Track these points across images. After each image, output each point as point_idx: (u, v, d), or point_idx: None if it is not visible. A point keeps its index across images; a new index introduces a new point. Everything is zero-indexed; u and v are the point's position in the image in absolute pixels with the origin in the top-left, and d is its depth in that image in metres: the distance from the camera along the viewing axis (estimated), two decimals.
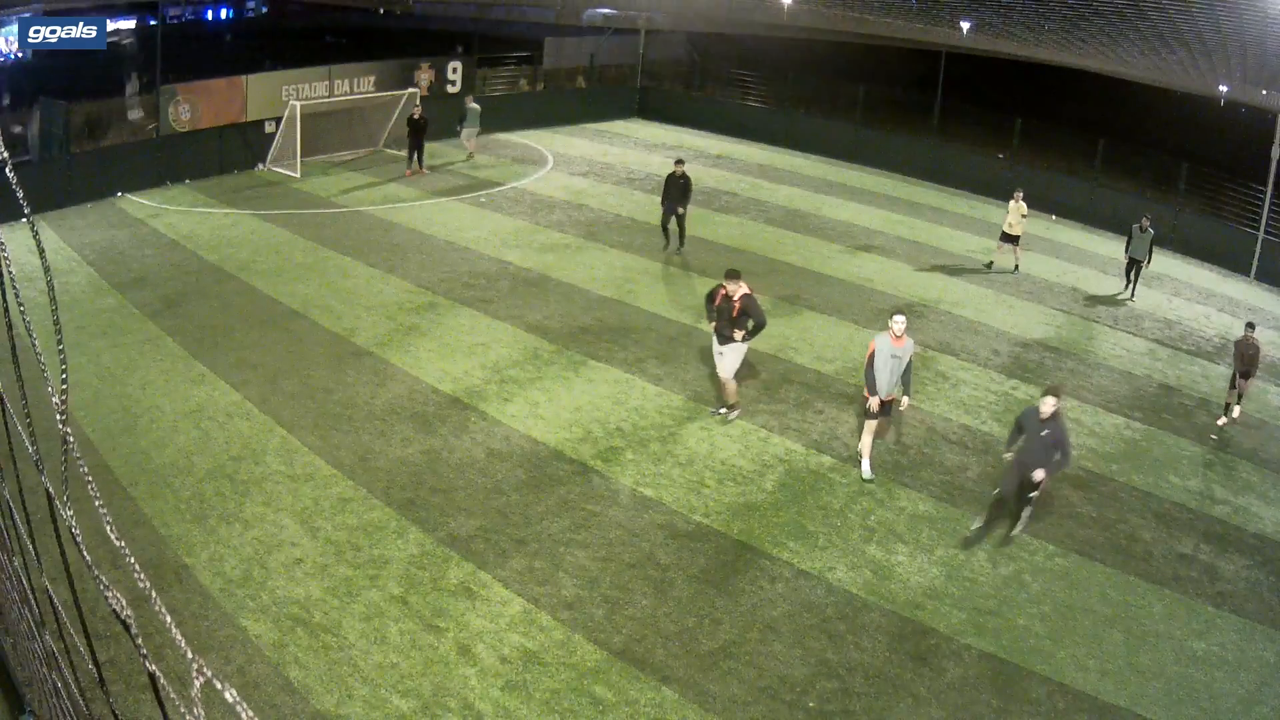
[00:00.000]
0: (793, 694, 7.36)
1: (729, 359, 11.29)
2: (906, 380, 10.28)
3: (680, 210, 17.54)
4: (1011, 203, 18.30)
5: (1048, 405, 9.05)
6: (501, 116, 28.77)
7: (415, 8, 38.53)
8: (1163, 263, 20.87)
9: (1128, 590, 9.03)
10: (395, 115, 24.75)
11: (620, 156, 26.40)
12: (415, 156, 22.66)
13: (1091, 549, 9.63)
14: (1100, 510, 10.40)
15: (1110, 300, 17.70)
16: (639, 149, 27.63)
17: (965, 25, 20.21)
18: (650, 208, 21.23)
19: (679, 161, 17.57)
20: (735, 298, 10.96)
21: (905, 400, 10.44)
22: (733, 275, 11.11)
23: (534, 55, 32.27)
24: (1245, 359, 12.84)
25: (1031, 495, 9.33)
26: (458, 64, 27.57)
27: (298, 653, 7.38)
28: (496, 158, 25.38)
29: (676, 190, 17.47)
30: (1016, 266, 18.77)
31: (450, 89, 27.37)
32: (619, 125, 30.97)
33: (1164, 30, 14.63)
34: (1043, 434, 9.12)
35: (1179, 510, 10.58)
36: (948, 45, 26.15)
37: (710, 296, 11.36)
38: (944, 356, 14.21)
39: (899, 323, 10.08)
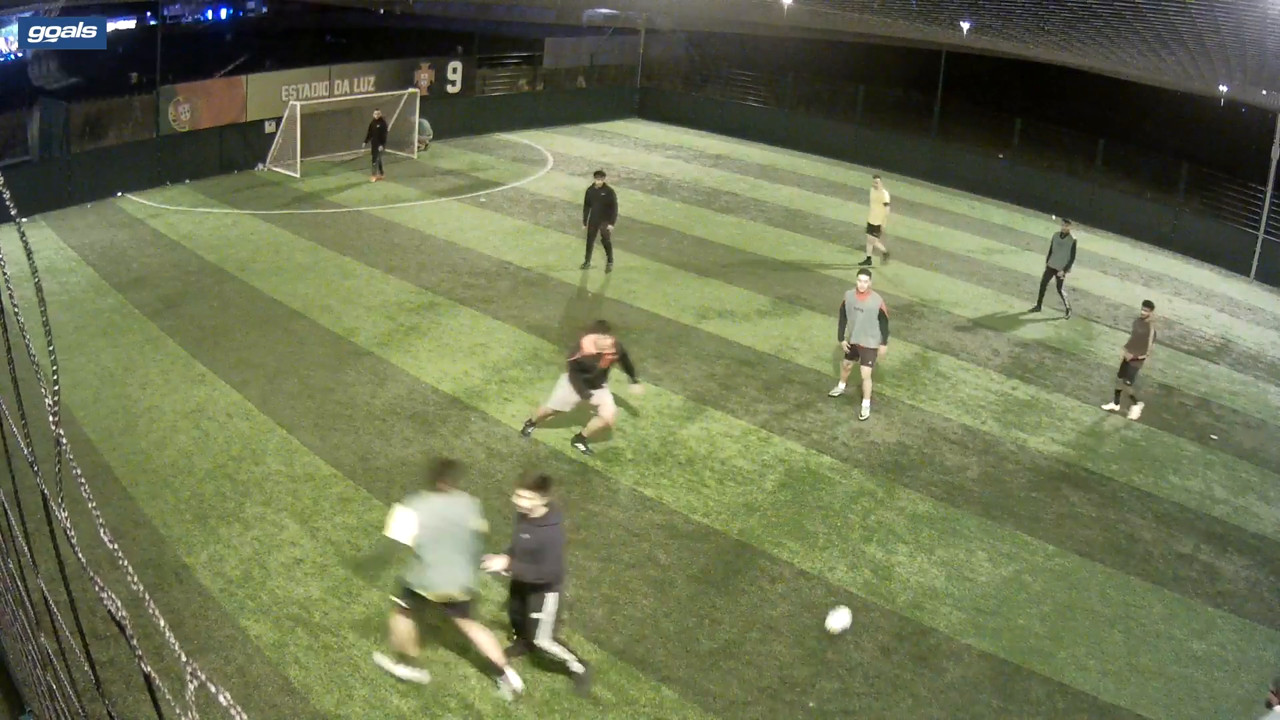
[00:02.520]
0: (793, 694, 7.35)
1: (608, 400, 10.42)
2: (883, 331, 11.78)
3: (609, 227, 16.22)
4: (872, 190, 17.63)
5: (526, 500, 6.64)
6: (501, 116, 28.79)
7: (415, 8, 38.51)
8: (1163, 262, 20.89)
9: (1128, 590, 9.02)
10: (395, 115, 24.75)
11: (620, 156, 26.40)
12: (377, 160, 22.08)
13: (1091, 549, 9.63)
14: (1100, 510, 10.40)
15: (1111, 300, 17.67)
16: (639, 149, 27.63)
17: (965, 25, 20.19)
18: (651, 208, 21.24)
19: (599, 174, 16.25)
20: (609, 350, 10.16)
21: (883, 349, 11.92)
22: (602, 327, 10.21)
23: (534, 55, 32.26)
24: (1138, 341, 12.37)
25: (537, 616, 6.96)
26: (458, 64, 27.57)
27: (298, 653, 7.38)
28: (496, 158, 25.39)
29: (600, 205, 16.02)
30: (886, 256, 18.26)
31: (450, 89, 27.36)
32: (619, 125, 30.97)
33: (1164, 30, 14.61)
34: (523, 538, 6.72)
35: (1179, 510, 10.57)
36: (948, 45, 26.13)
37: (580, 366, 10.12)
38: (944, 356, 14.21)
39: (863, 282, 11.80)
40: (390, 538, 6.71)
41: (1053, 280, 16.21)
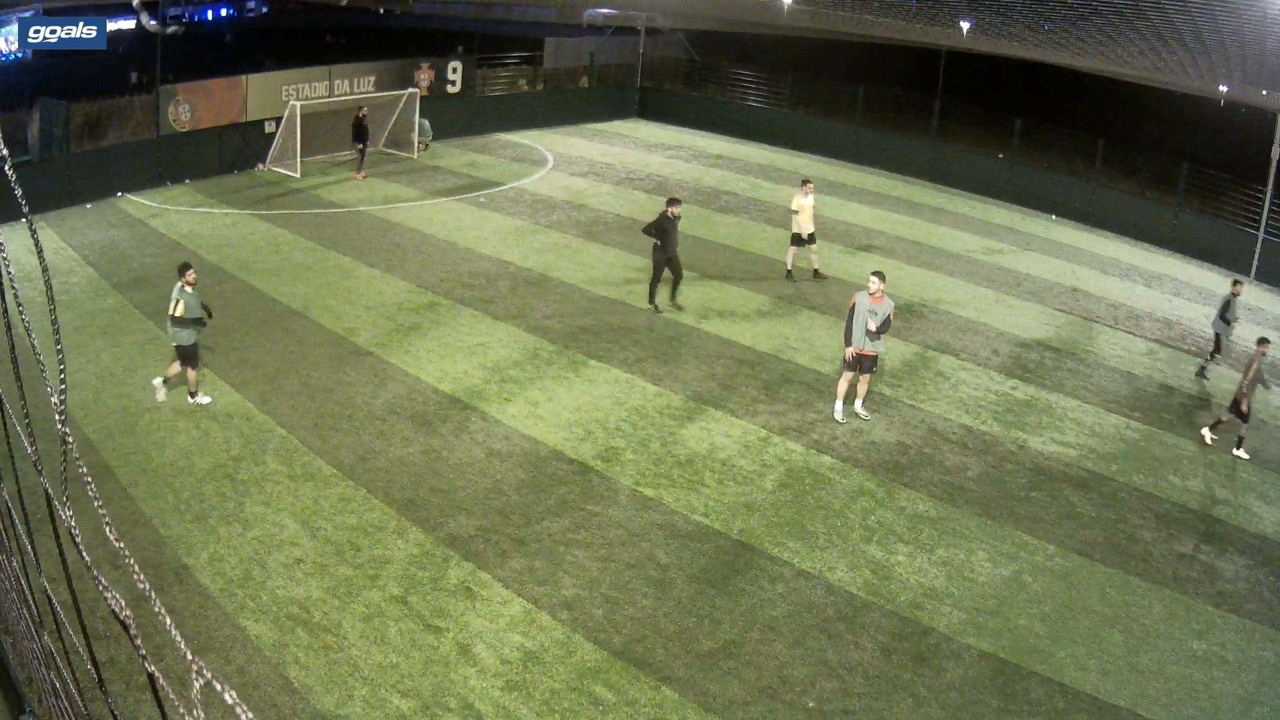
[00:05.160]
0: (793, 694, 7.36)
1: None
2: (883, 331, 11.47)
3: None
4: (804, 198, 16.20)
5: None
6: (501, 116, 28.79)
7: (415, 8, 38.53)
8: (1163, 262, 20.90)
9: (1128, 590, 9.03)
10: (395, 115, 24.76)
11: (620, 156, 26.40)
12: (360, 158, 22.30)
13: (1091, 549, 9.63)
14: (1100, 510, 10.40)
15: (1110, 300, 17.68)
16: (639, 149, 27.63)
17: (965, 25, 20.20)
18: (651, 208, 21.20)
19: (676, 200, 14.72)
20: None
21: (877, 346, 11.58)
22: None
23: (534, 55, 32.27)
24: (1255, 379, 11.48)
25: None
26: (458, 64, 27.57)
27: (298, 653, 7.38)
28: (496, 158, 25.39)
29: (675, 235, 14.69)
30: (790, 272, 16.90)
31: (450, 89, 27.37)
32: (619, 125, 30.97)
33: (1164, 30, 14.62)
34: None
35: (1179, 510, 10.58)
36: (948, 45, 26.14)
37: None
38: (944, 356, 14.21)
39: (874, 283, 11.45)
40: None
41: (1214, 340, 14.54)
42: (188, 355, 11.06)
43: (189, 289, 10.82)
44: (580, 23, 34.04)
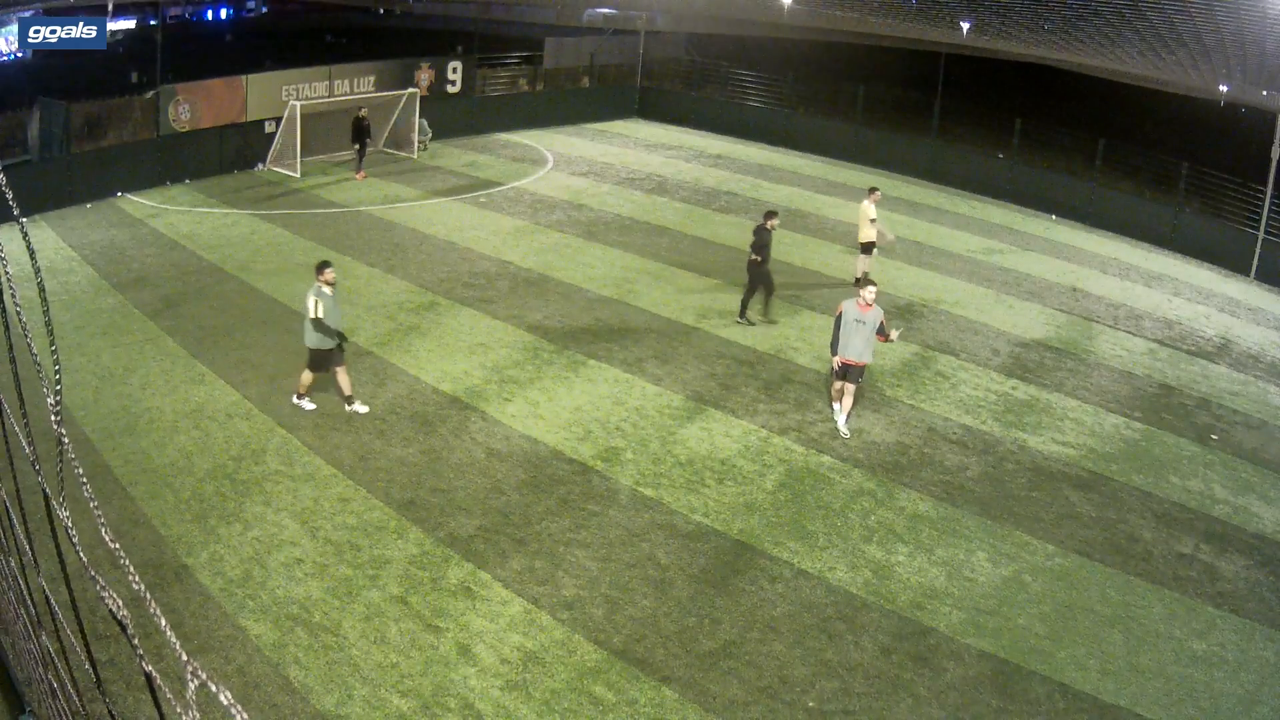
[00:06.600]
0: (793, 694, 7.35)
1: None
2: (885, 337, 11.29)
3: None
4: (871, 204, 16.25)
5: None
6: (501, 116, 28.80)
7: (415, 8, 38.56)
8: (1163, 262, 20.89)
9: (1128, 590, 9.02)
10: (395, 115, 24.77)
11: (620, 156, 26.40)
12: (360, 158, 22.43)
13: (1091, 549, 9.63)
14: (1100, 510, 10.40)
15: (1110, 300, 17.68)
16: (639, 149, 27.63)
17: (965, 25, 20.20)
18: (651, 208, 21.24)
19: (774, 214, 14.89)
20: None
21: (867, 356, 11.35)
22: None
23: (534, 55, 32.27)
24: None
25: None
26: (458, 64, 27.58)
27: (298, 653, 7.38)
28: (496, 158, 25.40)
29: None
30: (863, 277, 16.03)
31: (450, 89, 27.38)
32: (619, 125, 30.97)
33: (1164, 30, 14.62)
34: None
35: (1179, 510, 10.57)
36: (948, 45, 26.14)
37: None
38: (944, 356, 14.20)
39: (869, 292, 11.21)
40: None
41: None
42: (318, 360, 10.86)
43: (327, 289, 10.54)
44: (580, 23, 34.07)
